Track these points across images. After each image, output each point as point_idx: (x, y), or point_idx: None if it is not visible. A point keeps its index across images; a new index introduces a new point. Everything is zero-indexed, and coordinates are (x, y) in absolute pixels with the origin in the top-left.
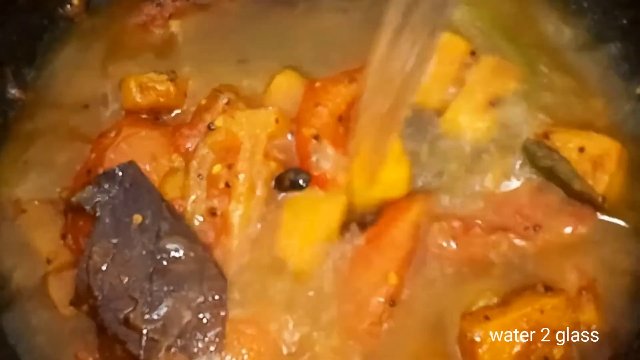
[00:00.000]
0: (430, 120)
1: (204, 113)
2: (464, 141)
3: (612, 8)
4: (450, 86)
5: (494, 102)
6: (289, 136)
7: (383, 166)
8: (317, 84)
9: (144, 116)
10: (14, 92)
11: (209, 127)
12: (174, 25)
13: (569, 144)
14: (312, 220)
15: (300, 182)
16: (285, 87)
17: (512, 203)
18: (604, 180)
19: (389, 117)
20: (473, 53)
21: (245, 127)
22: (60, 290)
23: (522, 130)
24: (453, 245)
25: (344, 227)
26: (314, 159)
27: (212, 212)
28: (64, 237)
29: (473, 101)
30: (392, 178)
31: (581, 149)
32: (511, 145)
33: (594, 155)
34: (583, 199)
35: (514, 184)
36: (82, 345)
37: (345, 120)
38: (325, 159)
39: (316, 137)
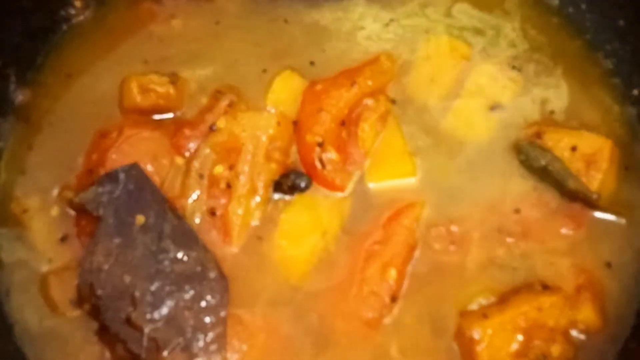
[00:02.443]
0: (431, 120)
1: (205, 114)
2: (464, 142)
3: (609, 9)
4: (451, 88)
5: (493, 107)
6: (290, 139)
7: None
8: (318, 87)
9: (144, 116)
10: (16, 92)
11: (210, 128)
12: (176, 25)
13: (560, 143)
14: (309, 222)
15: (301, 185)
16: (286, 88)
17: (509, 204)
18: (598, 178)
19: None
20: None
21: (247, 128)
22: (61, 290)
23: (519, 132)
24: (452, 248)
25: (342, 228)
26: (318, 165)
27: (212, 212)
28: (63, 239)
29: (474, 105)
30: (398, 171)
31: (573, 148)
32: (507, 147)
33: (586, 154)
34: (577, 198)
35: (512, 184)
36: (82, 345)
37: (347, 124)
38: (330, 164)
39: (320, 145)
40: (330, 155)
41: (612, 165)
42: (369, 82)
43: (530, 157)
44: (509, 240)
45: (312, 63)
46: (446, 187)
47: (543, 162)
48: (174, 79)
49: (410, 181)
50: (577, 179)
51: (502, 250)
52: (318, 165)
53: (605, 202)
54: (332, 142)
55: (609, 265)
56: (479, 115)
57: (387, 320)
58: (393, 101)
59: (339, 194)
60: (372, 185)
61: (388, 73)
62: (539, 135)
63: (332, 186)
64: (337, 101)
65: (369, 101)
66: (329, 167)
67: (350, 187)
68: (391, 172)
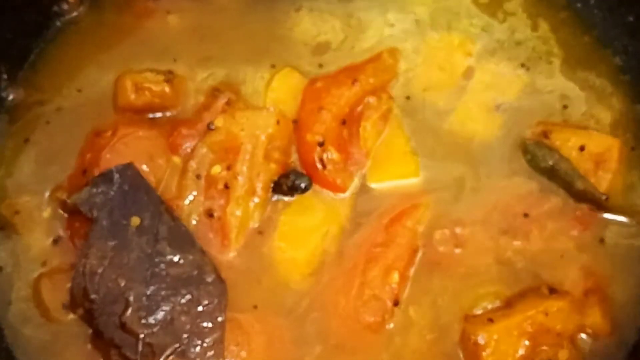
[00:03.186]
0: (435, 119)
1: (203, 112)
2: (469, 141)
3: (618, 5)
4: (456, 87)
5: (499, 105)
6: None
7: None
8: (319, 84)
9: (139, 115)
10: (8, 91)
11: (208, 127)
12: (172, 21)
13: (568, 143)
14: (309, 224)
15: (302, 185)
16: (286, 86)
17: (515, 205)
18: (607, 179)
19: None
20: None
21: (245, 127)
22: (53, 294)
23: (526, 131)
24: (457, 251)
25: (343, 230)
26: (319, 165)
27: (209, 214)
28: (56, 241)
29: (479, 104)
30: (400, 172)
31: (581, 148)
32: (514, 147)
33: (595, 154)
34: (586, 199)
35: (518, 185)
36: (75, 350)
37: (349, 123)
38: (331, 164)
39: (321, 144)
40: (331, 155)
41: (621, 165)
42: (371, 80)
43: (537, 157)
44: (515, 242)
45: (312, 60)
46: (450, 188)
47: (550, 162)
48: (169, 77)
49: (414, 181)
50: (586, 180)
51: (508, 252)
52: (319, 165)
53: (614, 203)
54: (332, 142)
55: (617, 268)
56: (485, 113)
57: (389, 324)
58: (407, 97)
59: (340, 195)
60: (374, 185)
61: (390, 70)
62: (546, 134)
63: (333, 187)
64: (338, 99)
65: (370, 99)
66: (329, 167)
67: (351, 187)
68: (393, 173)
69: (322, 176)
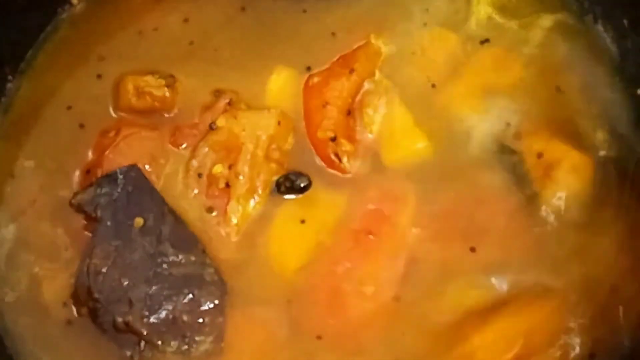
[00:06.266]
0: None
1: (204, 112)
2: (455, 126)
3: (612, 8)
4: (444, 73)
5: (486, 93)
6: (292, 138)
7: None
8: (315, 79)
9: (141, 116)
10: (11, 90)
11: (210, 127)
12: (173, 22)
13: (532, 147)
14: (309, 221)
15: (301, 185)
16: (283, 85)
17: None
18: (552, 189)
19: None
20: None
21: (247, 128)
22: (56, 293)
23: (502, 129)
24: (447, 248)
25: (338, 228)
26: (334, 159)
27: (210, 212)
28: (59, 241)
29: (468, 89)
30: (412, 143)
31: (539, 155)
32: (490, 141)
33: (549, 163)
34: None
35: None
36: (79, 350)
37: (353, 112)
38: (345, 156)
39: (333, 139)
40: (345, 147)
41: (576, 177)
42: (366, 66)
43: (504, 156)
44: (508, 240)
45: (310, 58)
46: (435, 177)
47: (511, 163)
48: (170, 81)
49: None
50: (531, 187)
51: (500, 251)
52: (335, 159)
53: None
54: (343, 135)
55: (610, 266)
56: (473, 100)
57: (383, 321)
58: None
59: (338, 192)
60: (390, 164)
61: (379, 52)
62: (517, 136)
63: (348, 172)
64: (340, 92)
65: (368, 85)
66: (344, 159)
67: (367, 170)
68: (406, 146)
69: (340, 168)
